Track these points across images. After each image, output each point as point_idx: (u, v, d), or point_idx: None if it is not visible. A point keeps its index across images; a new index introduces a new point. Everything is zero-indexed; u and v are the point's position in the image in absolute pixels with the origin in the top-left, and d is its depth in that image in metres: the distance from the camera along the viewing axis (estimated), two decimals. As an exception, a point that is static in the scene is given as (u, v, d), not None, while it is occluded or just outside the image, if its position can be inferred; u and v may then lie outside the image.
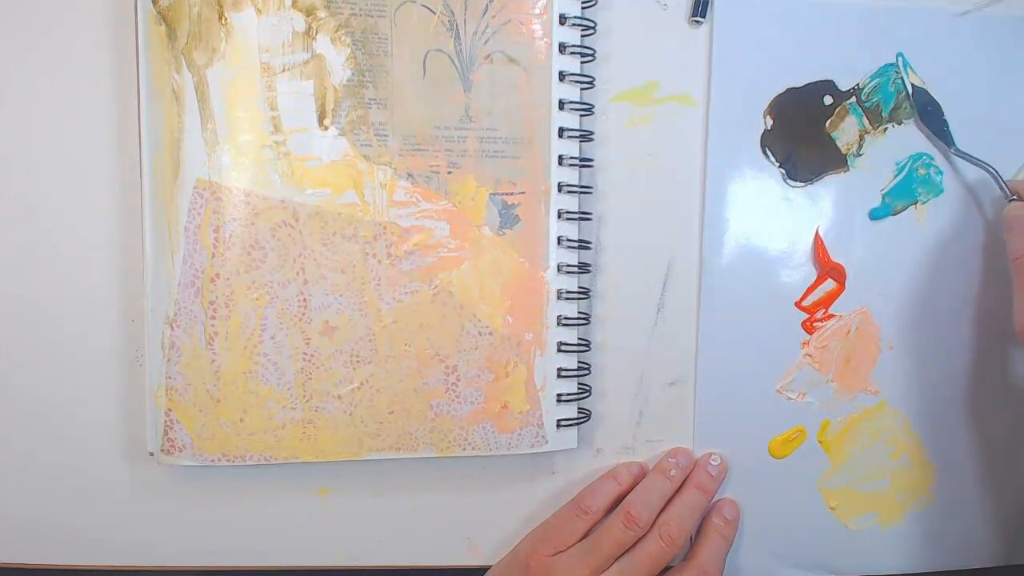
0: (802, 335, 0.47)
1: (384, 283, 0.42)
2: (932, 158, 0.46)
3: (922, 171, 0.46)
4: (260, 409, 0.41)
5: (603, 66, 0.44)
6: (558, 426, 0.44)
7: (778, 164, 0.46)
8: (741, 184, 0.46)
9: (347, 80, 0.41)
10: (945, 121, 0.46)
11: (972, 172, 0.46)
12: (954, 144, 0.46)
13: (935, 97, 0.46)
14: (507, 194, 0.42)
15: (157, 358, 0.41)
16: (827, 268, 0.46)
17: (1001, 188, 0.45)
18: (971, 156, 0.46)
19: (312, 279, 0.41)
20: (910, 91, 0.46)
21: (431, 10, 0.41)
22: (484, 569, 0.46)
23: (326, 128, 0.41)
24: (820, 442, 0.47)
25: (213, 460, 0.41)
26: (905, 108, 0.46)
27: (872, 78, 0.46)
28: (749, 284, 0.46)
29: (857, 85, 0.46)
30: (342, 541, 0.46)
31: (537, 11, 0.42)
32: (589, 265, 0.45)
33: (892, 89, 0.45)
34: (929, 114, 0.46)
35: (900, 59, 0.45)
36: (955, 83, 0.46)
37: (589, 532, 0.43)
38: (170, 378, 0.41)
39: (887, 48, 0.46)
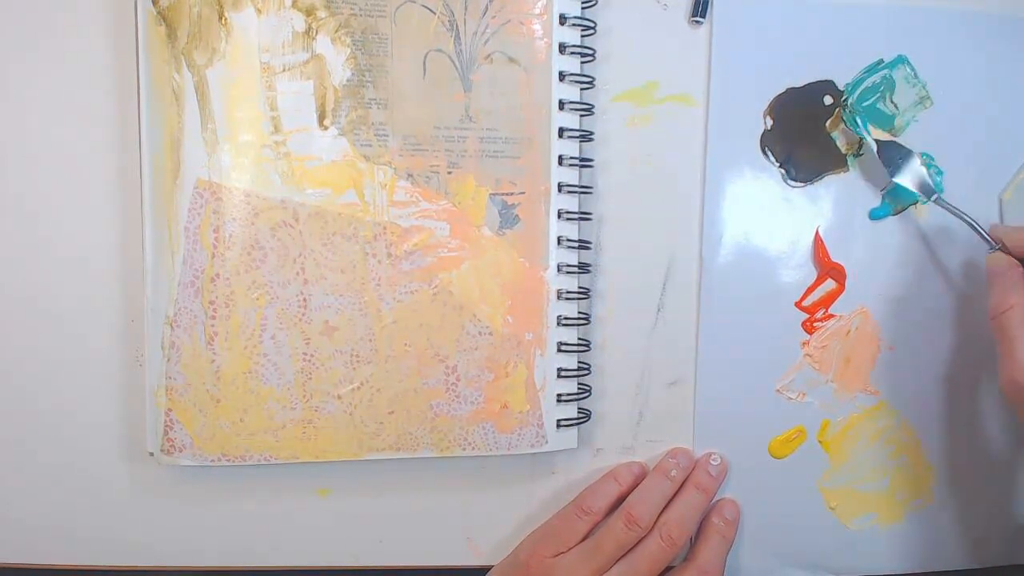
0: (802, 335, 0.47)
1: (384, 283, 0.42)
2: (932, 158, 0.46)
3: (922, 171, 0.46)
4: (260, 409, 0.41)
5: (603, 66, 0.44)
6: (558, 426, 0.44)
7: (778, 164, 0.46)
8: (741, 184, 0.46)
9: (347, 80, 0.41)
10: (922, 169, 0.44)
11: (973, 173, 0.46)
12: (935, 191, 0.44)
13: (905, 145, 0.45)
14: (507, 194, 0.42)
15: (157, 358, 0.41)
16: (827, 268, 0.46)
17: (983, 237, 0.43)
18: (952, 207, 0.44)
19: (312, 279, 0.41)
20: (875, 148, 0.44)
21: (431, 10, 0.41)
22: (484, 569, 0.46)
23: (326, 128, 0.41)
24: (820, 442, 0.47)
25: (213, 460, 0.41)
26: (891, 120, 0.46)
27: (853, 87, 0.45)
28: (749, 284, 0.46)
29: (843, 93, 0.46)
30: (342, 541, 0.46)
31: (537, 11, 0.42)
32: (589, 265, 0.45)
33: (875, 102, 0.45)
34: (900, 166, 0.44)
35: (857, 119, 0.44)
36: (953, 83, 0.46)
37: (590, 533, 0.43)
38: (170, 378, 0.41)
39: (887, 48, 0.46)
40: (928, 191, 0.44)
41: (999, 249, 0.42)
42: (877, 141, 0.45)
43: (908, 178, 0.44)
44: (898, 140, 0.45)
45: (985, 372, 0.48)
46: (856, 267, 0.46)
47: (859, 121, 0.44)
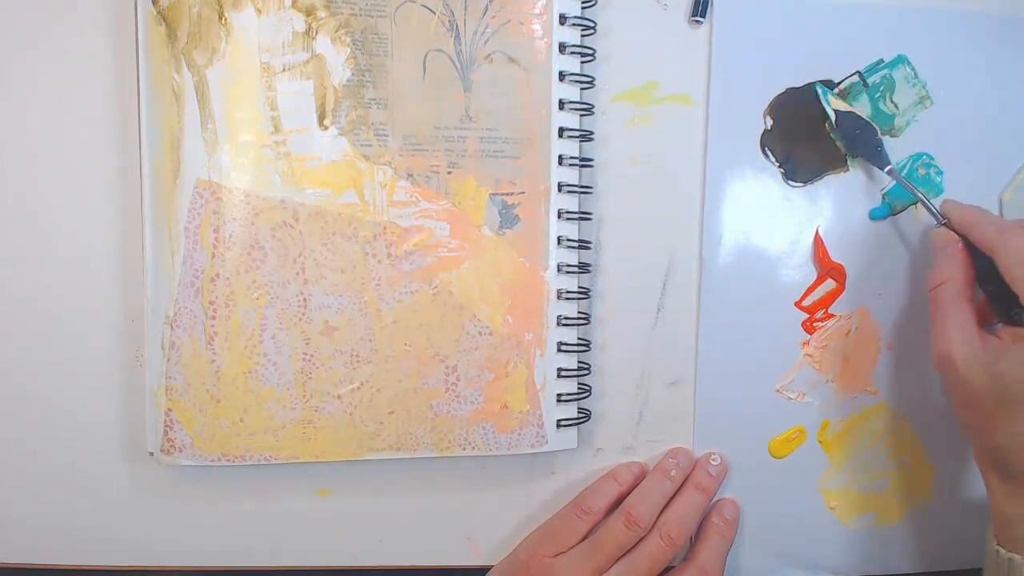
0: (802, 335, 0.47)
1: (384, 283, 0.42)
2: (932, 158, 0.46)
3: (922, 171, 0.46)
4: (260, 409, 0.41)
5: (603, 66, 0.44)
6: (558, 426, 0.44)
7: (778, 164, 0.46)
8: (741, 184, 0.46)
9: (347, 80, 0.41)
10: (878, 141, 0.45)
11: (973, 173, 0.46)
12: (888, 164, 0.45)
13: (865, 117, 0.45)
14: (507, 194, 0.42)
15: (157, 358, 0.41)
16: (827, 268, 0.46)
17: (931, 212, 0.43)
18: (902, 179, 0.45)
19: (312, 279, 0.41)
20: (832, 118, 0.45)
21: (431, 10, 0.41)
22: (484, 569, 0.46)
23: (326, 128, 0.41)
24: (820, 442, 0.47)
25: (213, 460, 0.41)
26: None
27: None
28: (749, 284, 0.46)
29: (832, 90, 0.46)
30: (342, 541, 0.46)
31: (537, 11, 0.42)
32: (589, 265, 0.45)
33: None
34: (856, 138, 0.45)
35: (818, 89, 0.45)
36: (953, 83, 0.46)
37: (590, 533, 0.43)
38: (170, 378, 0.41)
39: (887, 48, 0.46)
40: (882, 163, 0.45)
41: (944, 224, 0.43)
42: (836, 112, 0.45)
43: (863, 150, 0.45)
44: (857, 112, 0.45)
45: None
46: (856, 267, 0.46)
47: (820, 91, 0.45)
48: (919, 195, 0.44)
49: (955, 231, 0.42)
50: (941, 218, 0.43)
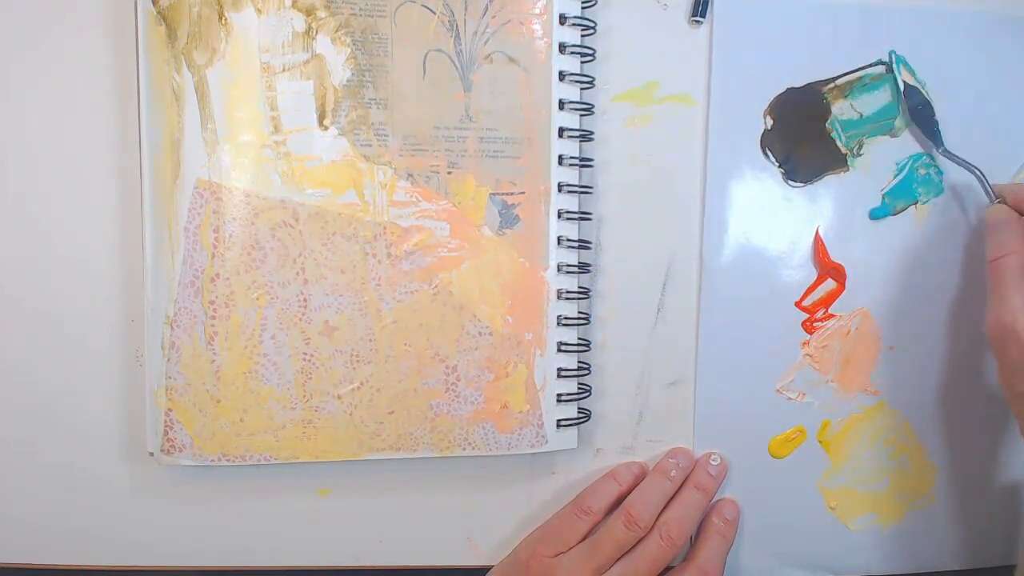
0: (802, 335, 0.47)
1: (384, 283, 0.42)
2: (932, 158, 0.46)
3: (922, 171, 0.46)
4: (260, 409, 0.41)
5: (603, 66, 0.44)
6: (558, 426, 0.44)
7: (778, 164, 0.46)
8: (741, 184, 0.46)
9: (347, 80, 0.41)
10: (936, 121, 0.46)
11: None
12: (942, 145, 0.46)
13: (927, 96, 0.46)
14: (507, 194, 0.42)
15: (157, 358, 0.41)
16: (827, 268, 0.46)
17: (986, 191, 0.45)
18: (958, 158, 0.45)
19: (312, 279, 0.41)
20: (902, 89, 0.45)
21: (431, 10, 0.41)
22: (484, 569, 0.46)
23: (326, 128, 0.41)
24: (820, 442, 0.47)
25: (213, 460, 0.41)
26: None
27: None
28: (749, 284, 0.46)
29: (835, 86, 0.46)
30: (342, 541, 0.46)
31: (537, 11, 0.42)
32: (589, 265, 0.45)
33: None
34: (920, 113, 0.45)
35: (892, 56, 0.45)
36: (953, 83, 0.46)
37: (590, 533, 0.43)
38: (170, 378, 0.41)
39: (887, 48, 0.46)
40: (938, 143, 0.45)
41: (1000, 202, 0.44)
42: (905, 83, 0.45)
43: (924, 126, 0.46)
44: (924, 92, 0.46)
45: (985, 371, 0.48)
46: (856, 267, 0.46)
47: (895, 59, 0.45)
48: (976, 172, 0.45)
49: (1012, 208, 0.43)
50: (996, 197, 0.44)
